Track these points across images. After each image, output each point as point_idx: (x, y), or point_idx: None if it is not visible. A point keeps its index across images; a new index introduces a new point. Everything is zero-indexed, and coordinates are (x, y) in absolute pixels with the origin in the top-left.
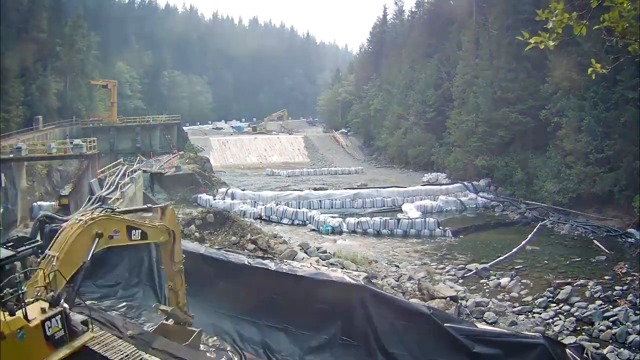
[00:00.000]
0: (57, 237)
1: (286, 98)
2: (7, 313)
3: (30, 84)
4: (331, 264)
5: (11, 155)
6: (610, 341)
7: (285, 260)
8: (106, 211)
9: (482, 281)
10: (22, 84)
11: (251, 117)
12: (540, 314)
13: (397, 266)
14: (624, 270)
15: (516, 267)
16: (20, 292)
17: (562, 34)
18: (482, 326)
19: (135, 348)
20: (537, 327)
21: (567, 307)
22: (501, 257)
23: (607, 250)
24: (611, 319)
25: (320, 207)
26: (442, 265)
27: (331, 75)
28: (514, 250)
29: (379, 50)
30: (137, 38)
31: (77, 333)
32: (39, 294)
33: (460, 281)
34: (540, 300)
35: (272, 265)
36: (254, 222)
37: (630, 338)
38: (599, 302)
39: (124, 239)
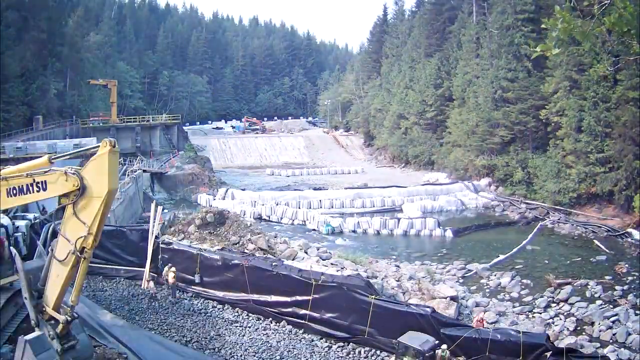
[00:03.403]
0: None
1: (286, 98)
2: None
3: (30, 84)
4: (331, 263)
5: (11, 156)
6: (611, 341)
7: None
8: None
9: (482, 281)
10: (22, 84)
11: (251, 117)
12: (540, 314)
13: (397, 266)
14: (624, 270)
15: (516, 267)
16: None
17: (566, 41)
18: None
19: None
20: (538, 327)
21: (567, 307)
22: (501, 257)
23: (607, 250)
24: (611, 319)
25: (320, 207)
26: (442, 265)
27: (331, 75)
28: (514, 250)
29: (379, 49)
30: (137, 38)
31: None
32: None
33: (461, 281)
34: (540, 300)
35: None
36: (254, 222)
37: (631, 338)
38: (599, 302)
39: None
